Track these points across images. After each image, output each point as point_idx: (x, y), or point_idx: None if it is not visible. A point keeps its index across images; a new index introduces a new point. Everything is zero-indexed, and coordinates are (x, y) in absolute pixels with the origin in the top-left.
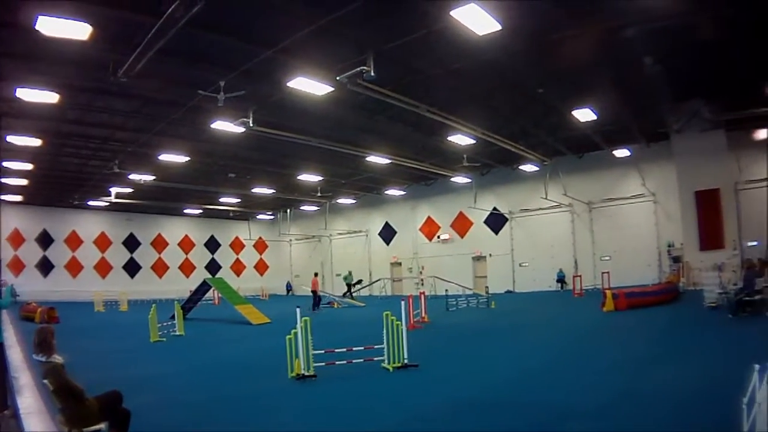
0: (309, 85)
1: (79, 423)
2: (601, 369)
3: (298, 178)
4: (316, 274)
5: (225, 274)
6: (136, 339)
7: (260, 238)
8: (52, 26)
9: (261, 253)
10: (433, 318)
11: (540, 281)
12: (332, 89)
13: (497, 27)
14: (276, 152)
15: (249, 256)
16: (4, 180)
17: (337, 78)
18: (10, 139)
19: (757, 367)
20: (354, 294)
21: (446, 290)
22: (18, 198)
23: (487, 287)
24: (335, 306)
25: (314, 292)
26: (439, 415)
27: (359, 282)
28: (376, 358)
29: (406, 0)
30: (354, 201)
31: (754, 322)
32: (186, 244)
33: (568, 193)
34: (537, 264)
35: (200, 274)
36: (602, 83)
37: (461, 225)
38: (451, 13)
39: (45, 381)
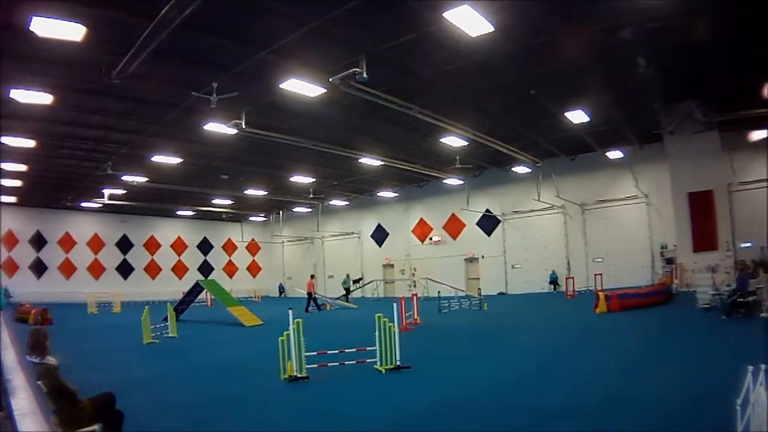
0: (302, 87)
1: (73, 425)
2: (593, 371)
3: (291, 179)
4: (312, 276)
5: (217, 275)
6: (129, 341)
7: (253, 239)
8: (46, 27)
9: (253, 255)
10: (425, 320)
11: (533, 283)
12: (325, 91)
13: (490, 28)
14: (268, 154)
15: (241, 258)
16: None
17: (330, 79)
18: (4, 140)
19: (750, 368)
20: (350, 294)
21: (439, 292)
22: (12, 199)
23: (479, 289)
24: (328, 308)
25: (310, 293)
26: (431, 417)
27: (360, 279)
28: (368, 360)
29: (399, 1)
30: (346, 203)
31: (748, 324)
32: (179, 246)
33: (561, 194)
34: (530, 266)
35: (193, 276)
36: (595, 85)
37: (454, 227)
38: (444, 14)
39: (39, 382)
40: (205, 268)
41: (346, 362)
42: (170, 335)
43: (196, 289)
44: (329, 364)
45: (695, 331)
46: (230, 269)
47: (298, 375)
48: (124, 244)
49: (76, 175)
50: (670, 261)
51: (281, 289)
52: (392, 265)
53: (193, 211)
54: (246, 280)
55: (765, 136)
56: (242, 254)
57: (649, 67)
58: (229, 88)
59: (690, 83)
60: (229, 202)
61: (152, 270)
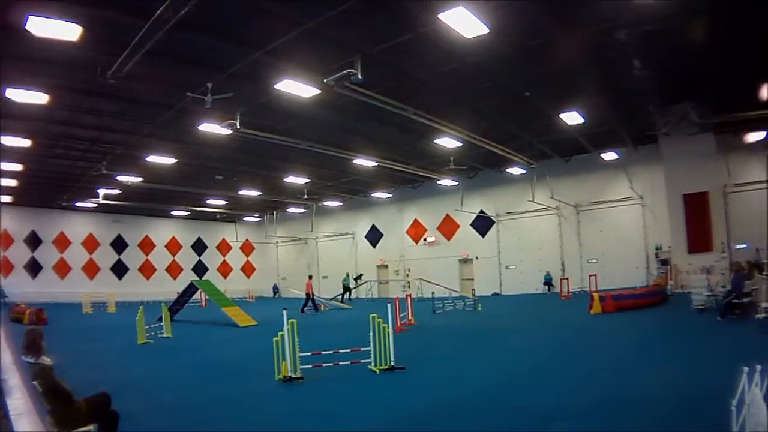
0: (296, 88)
1: (68, 425)
2: (588, 372)
3: (285, 180)
4: (310, 277)
5: (212, 276)
6: (123, 341)
7: (247, 240)
8: (42, 26)
9: (248, 255)
10: (419, 320)
11: (527, 284)
12: (319, 92)
13: (485, 30)
14: (263, 154)
15: (236, 258)
16: None
17: (325, 80)
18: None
19: (745, 369)
20: (350, 294)
21: (433, 293)
22: (7, 199)
23: (473, 290)
24: (322, 308)
25: (308, 294)
26: (425, 418)
27: (361, 276)
28: (362, 361)
29: (394, 2)
30: (341, 203)
31: (743, 325)
32: (173, 246)
33: (555, 196)
34: (524, 267)
35: (187, 276)
36: (590, 86)
37: (448, 227)
38: (439, 15)
39: (34, 383)
40: (200, 269)
41: (341, 363)
42: (165, 335)
43: (191, 289)
44: (323, 365)
45: (690, 332)
46: (224, 269)
47: (293, 375)
48: (119, 244)
49: (71, 174)
50: (664, 262)
51: (275, 290)
52: (386, 266)
53: (188, 212)
54: (240, 280)
55: (763, 137)
56: (236, 254)
57: (644, 69)
58: (223, 88)
59: (685, 85)
60: (223, 202)
61: (147, 270)
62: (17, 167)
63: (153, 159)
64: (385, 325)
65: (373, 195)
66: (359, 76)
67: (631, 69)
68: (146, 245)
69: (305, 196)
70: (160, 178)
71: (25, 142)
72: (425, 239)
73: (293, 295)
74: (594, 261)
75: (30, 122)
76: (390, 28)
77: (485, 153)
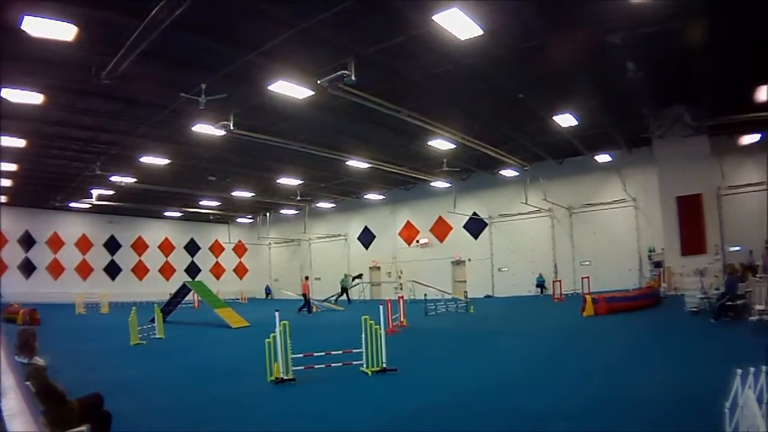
0: (290, 89)
1: (61, 425)
2: (581, 374)
3: (278, 181)
4: (306, 278)
5: (204, 277)
6: (116, 342)
7: (240, 241)
8: (37, 26)
9: (240, 257)
10: (411, 322)
11: (519, 286)
12: (313, 93)
13: (479, 32)
14: (256, 155)
15: (228, 260)
16: None
17: (318, 82)
18: None
19: (739, 371)
20: (348, 295)
21: (425, 294)
22: (2, 198)
23: (466, 292)
24: (315, 310)
25: (305, 295)
26: (417, 419)
27: (360, 276)
28: (354, 363)
29: (389, 4)
30: (333, 205)
31: (736, 327)
32: (166, 247)
33: (549, 198)
34: (516, 269)
35: (180, 277)
36: (584, 88)
37: (441, 229)
38: (434, 17)
39: (27, 383)
40: (192, 270)
41: (333, 364)
42: (157, 336)
43: (183, 290)
44: (316, 366)
45: (683, 335)
46: (217, 271)
47: (285, 377)
48: (112, 245)
49: (65, 175)
50: (657, 264)
51: (268, 291)
52: (379, 268)
53: (181, 212)
54: (233, 281)
55: (758, 139)
56: (229, 256)
57: (638, 71)
58: (217, 89)
59: (679, 87)
60: (216, 203)
61: (140, 271)
62: (12, 167)
63: (147, 159)
64: (377, 326)
65: (365, 197)
66: (353, 78)
67: (625, 71)
68: (139, 246)
69: (298, 198)
70: (154, 179)
71: (20, 142)
72: (418, 241)
73: (286, 296)
74: (587, 263)
75: (25, 122)
76: (384, 29)
77: (478, 155)
